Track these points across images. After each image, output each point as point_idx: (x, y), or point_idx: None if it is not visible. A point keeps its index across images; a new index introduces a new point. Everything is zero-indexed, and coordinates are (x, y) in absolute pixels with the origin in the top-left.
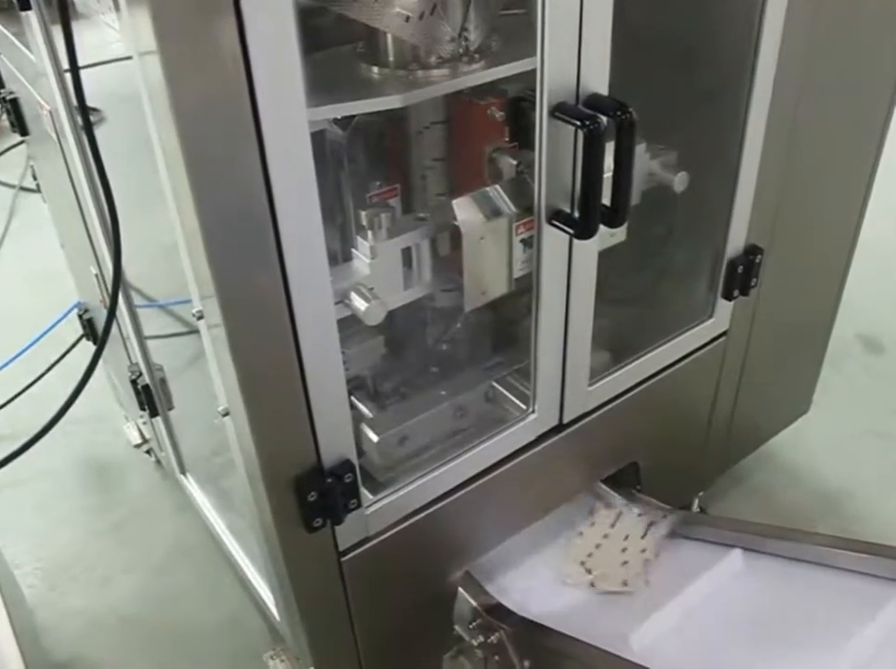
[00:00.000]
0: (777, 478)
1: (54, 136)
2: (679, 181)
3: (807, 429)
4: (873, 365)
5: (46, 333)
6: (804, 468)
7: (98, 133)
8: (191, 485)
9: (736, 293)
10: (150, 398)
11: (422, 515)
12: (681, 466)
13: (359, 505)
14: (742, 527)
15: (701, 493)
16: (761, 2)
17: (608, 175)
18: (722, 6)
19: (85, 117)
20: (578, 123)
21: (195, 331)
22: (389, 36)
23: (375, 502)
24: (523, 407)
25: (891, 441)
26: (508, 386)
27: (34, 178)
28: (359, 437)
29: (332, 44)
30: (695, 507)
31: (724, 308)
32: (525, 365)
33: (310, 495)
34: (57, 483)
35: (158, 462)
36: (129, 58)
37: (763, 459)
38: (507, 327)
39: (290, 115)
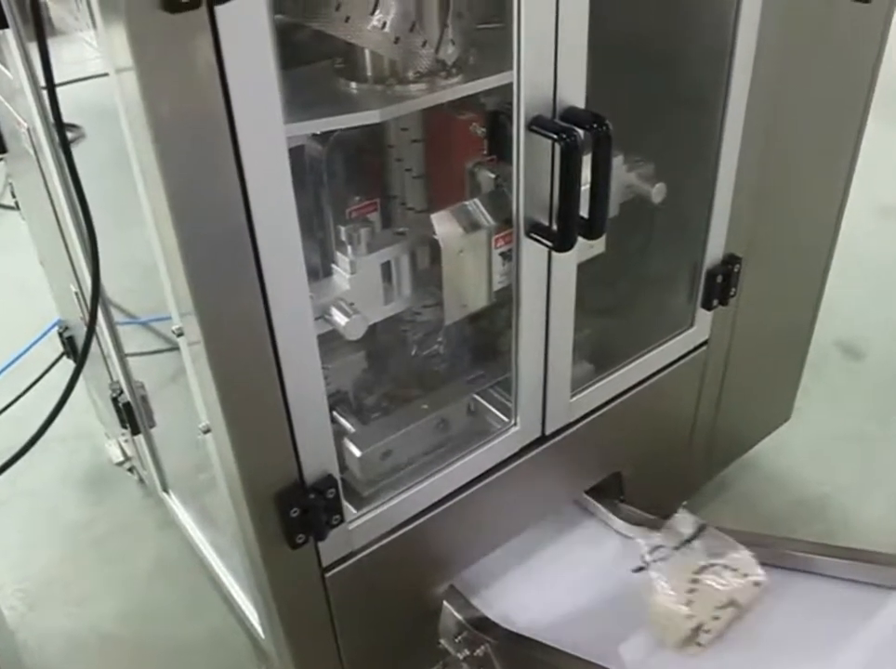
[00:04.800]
0: (760, 486)
1: (32, 153)
2: (657, 193)
3: (789, 436)
4: (853, 371)
5: (25, 351)
6: (787, 475)
7: (78, 149)
8: (174, 502)
9: (715, 302)
10: (131, 415)
11: (406, 529)
12: (665, 476)
13: (342, 521)
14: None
15: (685, 502)
16: (735, 14)
17: (585, 187)
18: (697, 18)
19: (62, 134)
20: (555, 136)
21: (176, 348)
22: (367, 52)
23: (359, 517)
24: (505, 419)
25: (873, 446)
26: (490, 399)
27: (13, 196)
28: (341, 452)
29: (310, 59)
30: None
31: (704, 318)
32: (507, 377)
33: (293, 511)
34: (38, 502)
35: (140, 480)
36: (107, 74)
37: (746, 466)
38: (487, 340)
39: (268, 131)
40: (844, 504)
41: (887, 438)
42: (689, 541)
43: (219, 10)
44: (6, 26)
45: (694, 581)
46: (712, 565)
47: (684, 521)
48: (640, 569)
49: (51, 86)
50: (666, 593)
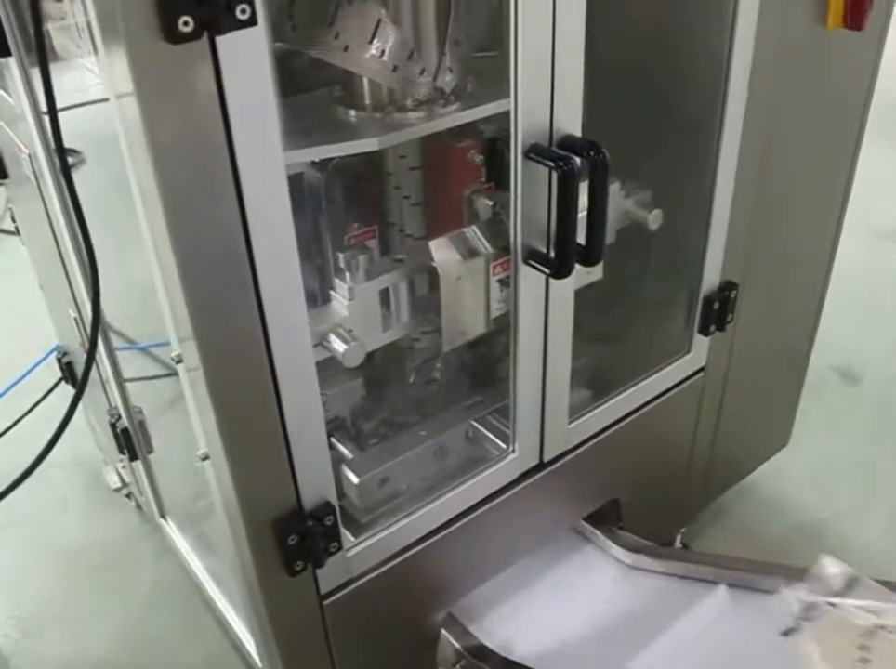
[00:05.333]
0: (759, 512)
1: (33, 179)
2: (654, 219)
3: (787, 461)
4: (850, 395)
5: (24, 376)
6: (785, 501)
7: (78, 174)
8: (171, 529)
9: (712, 328)
10: (129, 441)
11: (404, 556)
12: (663, 502)
13: (340, 548)
14: (725, 563)
15: (683, 529)
16: (729, 43)
17: (583, 214)
18: (692, 47)
19: (63, 159)
20: (552, 164)
21: (174, 373)
22: (366, 80)
23: (357, 544)
24: (503, 446)
25: (870, 471)
26: (488, 426)
27: (13, 221)
28: (339, 478)
29: (308, 87)
30: (677, 543)
31: (701, 344)
32: (505, 404)
33: (291, 538)
34: (34, 527)
35: (138, 506)
36: (107, 100)
37: (744, 492)
38: (486, 366)
39: (267, 158)
40: (842, 528)
41: (885, 462)
42: (842, 594)
43: (220, 41)
44: (9, 54)
45: (863, 647)
46: (881, 627)
47: (832, 570)
48: (790, 630)
49: (53, 111)
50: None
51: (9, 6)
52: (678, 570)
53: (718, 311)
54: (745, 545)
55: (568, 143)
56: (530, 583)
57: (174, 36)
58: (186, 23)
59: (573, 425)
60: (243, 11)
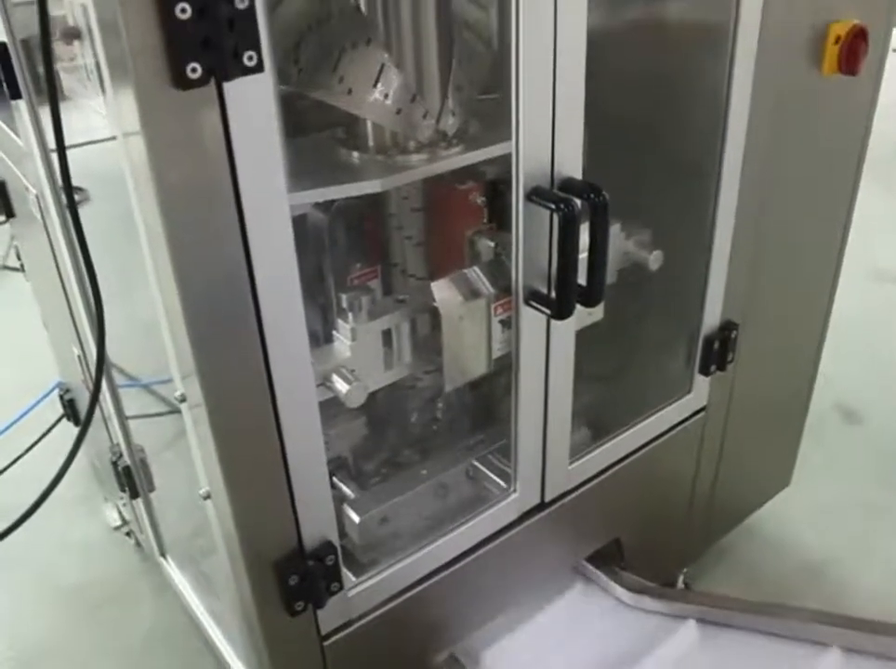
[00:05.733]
0: (761, 552)
1: (39, 217)
2: (654, 260)
3: (789, 502)
4: (852, 435)
5: (26, 413)
6: (788, 541)
7: (82, 211)
8: (171, 567)
9: (713, 368)
10: (130, 479)
11: (405, 596)
12: (665, 542)
13: (341, 588)
14: (729, 604)
15: (685, 569)
16: (727, 88)
17: (583, 255)
18: (691, 92)
19: (70, 197)
20: (553, 206)
21: (176, 411)
22: (369, 122)
23: (358, 584)
24: (504, 486)
25: (873, 512)
26: (489, 465)
27: (18, 258)
28: (340, 517)
29: (312, 129)
30: (680, 583)
31: (702, 384)
32: (506, 443)
33: (291, 578)
34: (32, 565)
35: (137, 544)
36: (113, 138)
37: (747, 532)
38: (487, 405)
39: (272, 200)
40: (846, 569)
41: (887, 503)
42: None
43: (227, 87)
44: (20, 97)
45: None
46: None
47: None
48: None
49: (61, 148)
50: None
51: (21, 50)
52: (680, 610)
53: (718, 351)
54: (748, 586)
55: (569, 186)
56: (532, 623)
57: (182, 82)
58: (194, 70)
59: (574, 465)
60: (250, 58)
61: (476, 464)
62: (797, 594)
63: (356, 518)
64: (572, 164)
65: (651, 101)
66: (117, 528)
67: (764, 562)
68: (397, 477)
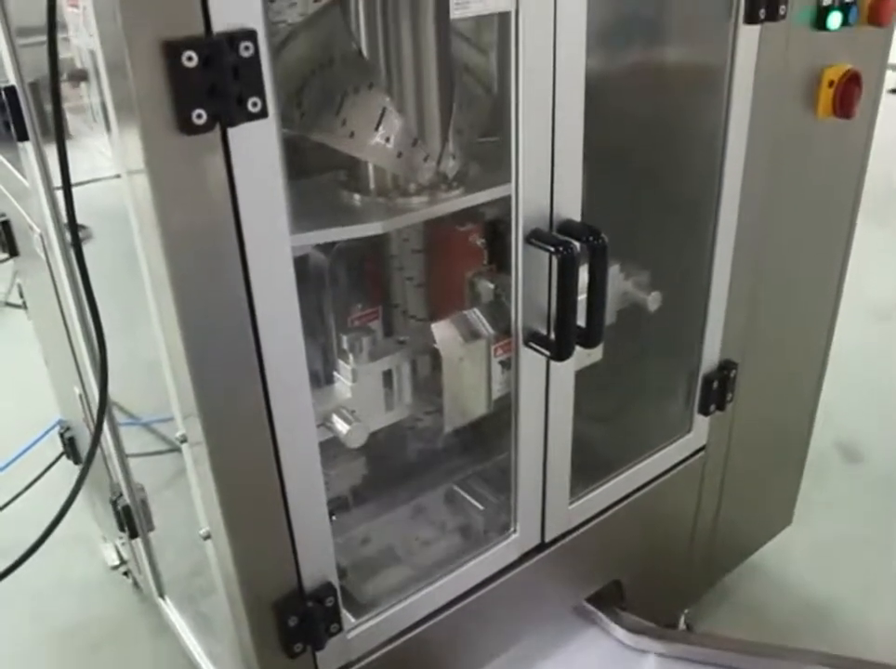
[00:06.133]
0: (764, 592)
1: (43, 256)
2: (653, 301)
3: (791, 541)
4: (853, 473)
5: (26, 450)
6: (791, 580)
7: (85, 249)
8: (169, 608)
9: (713, 407)
10: (130, 519)
11: (405, 638)
12: (666, 582)
13: (340, 629)
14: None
15: (687, 609)
16: (724, 130)
17: (582, 296)
18: (688, 135)
19: (75, 234)
20: (552, 249)
21: (176, 449)
22: (370, 165)
23: (357, 625)
24: (505, 526)
25: (876, 550)
26: (490, 506)
27: (21, 296)
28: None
29: (314, 171)
30: (681, 624)
31: (701, 423)
32: (506, 484)
33: (291, 620)
34: (29, 606)
35: (136, 584)
36: (117, 176)
37: (749, 572)
38: (487, 445)
39: (274, 242)
40: (849, 609)
41: (890, 541)
42: None
43: (232, 132)
44: (27, 138)
45: None
46: None
47: None
48: None
49: (67, 185)
50: None
51: (29, 93)
52: (682, 652)
53: (717, 391)
54: (751, 626)
55: (568, 228)
56: (532, 664)
57: (188, 128)
58: (199, 116)
59: (574, 505)
60: (255, 104)
61: (476, 504)
62: (802, 634)
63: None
64: (571, 207)
65: (649, 143)
66: (115, 567)
67: (767, 602)
68: (395, 516)
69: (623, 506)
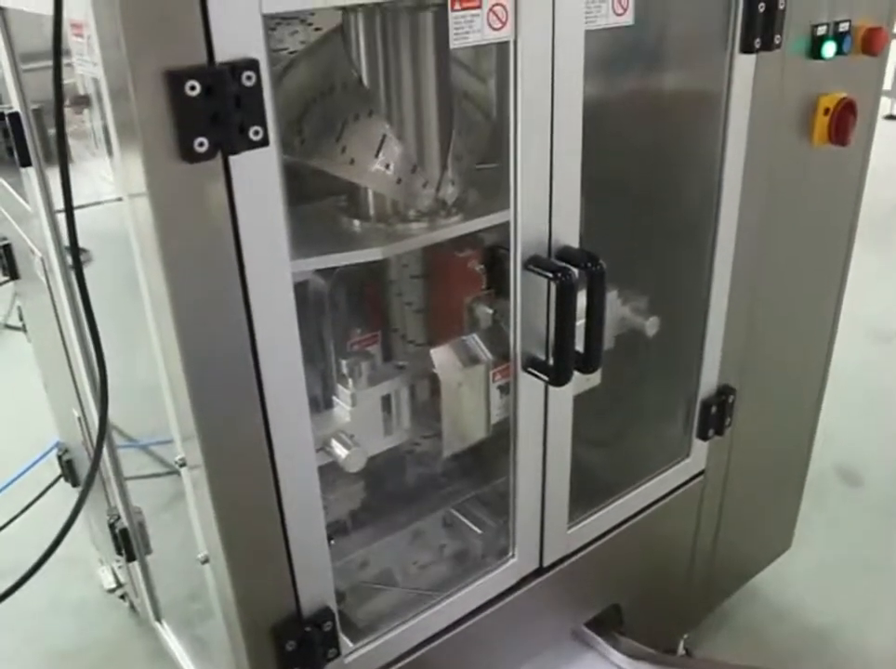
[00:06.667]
0: (763, 616)
1: (43, 279)
2: (651, 326)
3: (791, 565)
4: (852, 497)
5: (23, 473)
6: (790, 605)
7: (85, 272)
8: (166, 632)
9: (711, 432)
10: (127, 542)
11: (403, 662)
12: (665, 607)
13: (338, 654)
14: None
15: (686, 634)
16: (721, 158)
17: (581, 322)
18: (686, 162)
19: (77, 258)
20: (550, 275)
21: (175, 472)
22: (370, 191)
23: (355, 650)
24: (503, 549)
25: (876, 574)
26: (488, 530)
27: (20, 318)
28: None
29: (315, 196)
30: (681, 649)
31: (700, 448)
32: (505, 508)
33: (289, 644)
34: (25, 628)
35: (132, 607)
36: (119, 199)
37: (748, 596)
38: (485, 469)
39: (274, 267)
40: (849, 633)
41: (889, 565)
42: None
43: (233, 160)
44: (30, 164)
45: None
46: None
47: None
48: None
49: (69, 208)
50: None
51: (32, 119)
52: None
53: (716, 416)
54: (750, 650)
55: (566, 255)
56: None
57: (190, 156)
58: (201, 144)
59: (572, 529)
60: (256, 133)
61: (474, 528)
62: (802, 658)
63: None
64: (569, 233)
65: (647, 170)
66: (112, 591)
67: (767, 626)
68: (394, 540)
69: (621, 531)
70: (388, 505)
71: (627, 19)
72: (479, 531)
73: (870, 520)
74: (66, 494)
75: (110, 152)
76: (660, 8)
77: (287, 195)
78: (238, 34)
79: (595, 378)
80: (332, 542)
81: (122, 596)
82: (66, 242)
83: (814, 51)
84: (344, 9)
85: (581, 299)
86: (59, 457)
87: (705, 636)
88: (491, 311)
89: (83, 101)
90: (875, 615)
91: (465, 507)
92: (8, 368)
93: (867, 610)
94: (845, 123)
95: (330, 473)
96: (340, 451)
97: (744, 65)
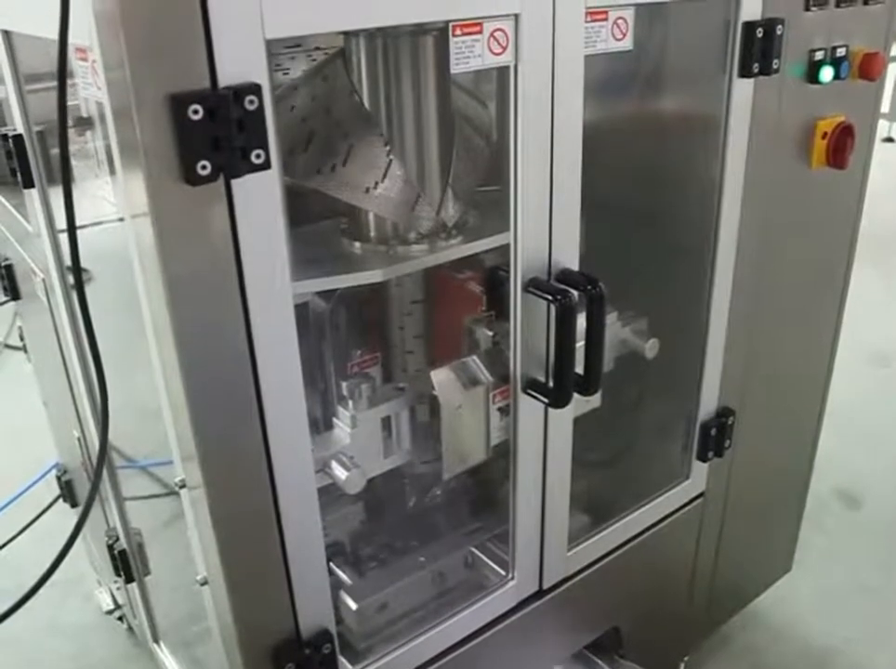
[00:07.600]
0: (764, 639)
1: (44, 300)
2: (650, 348)
3: (791, 588)
4: (852, 519)
5: (22, 493)
6: (790, 628)
7: (86, 292)
8: (164, 654)
9: (711, 454)
10: (126, 563)
11: None
12: (665, 630)
13: None
14: None
15: (686, 657)
16: (720, 181)
17: (581, 344)
18: (685, 185)
19: (78, 278)
20: (550, 298)
21: (174, 493)
22: (371, 213)
23: None
24: (503, 573)
25: (876, 597)
26: (488, 552)
27: (21, 338)
28: (337, 604)
29: (316, 218)
30: None
31: (700, 470)
32: (504, 530)
33: (287, 667)
34: (21, 649)
35: (130, 629)
36: (120, 219)
37: (749, 619)
38: (485, 492)
39: (275, 289)
40: (850, 656)
41: (890, 587)
42: None
43: (235, 183)
44: (33, 185)
45: None
46: None
47: None
48: None
49: (72, 228)
50: None
51: (36, 141)
52: None
53: (715, 438)
54: None
55: (566, 277)
56: None
57: (192, 179)
58: (204, 167)
59: (572, 551)
60: (258, 156)
61: (474, 550)
62: None
63: (353, 605)
64: (569, 256)
65: (647, 192)
66: (110, 612)
67: (767, 649)
68: (394, 563)
69: (621, 553)
70: (387, 527)
71: (626, 44)
72: (479, 554)
73: (870, 543)
74: (65, 515)
75: (112, 174)
76: (659, 33)
77: (288, 217)
78: (241, 59)
79: (595, 400)
80: (330, 563)
81: (120, 618)
82: (68, 262)
83: (812, 76)
84: (346, 33)
85: (581, 321)
86: (59, 477)
87: (706, 658)
88: (491, 333)
89: (85, 123)
90: (875, 637)
91: (465, 529)
92: (8, 388)
93: (868, 633)
94: (843, 146)
95: (329, 493)
96: (340, 472)
97: (743, 89)
